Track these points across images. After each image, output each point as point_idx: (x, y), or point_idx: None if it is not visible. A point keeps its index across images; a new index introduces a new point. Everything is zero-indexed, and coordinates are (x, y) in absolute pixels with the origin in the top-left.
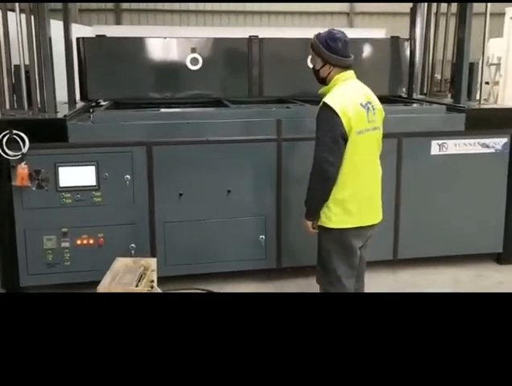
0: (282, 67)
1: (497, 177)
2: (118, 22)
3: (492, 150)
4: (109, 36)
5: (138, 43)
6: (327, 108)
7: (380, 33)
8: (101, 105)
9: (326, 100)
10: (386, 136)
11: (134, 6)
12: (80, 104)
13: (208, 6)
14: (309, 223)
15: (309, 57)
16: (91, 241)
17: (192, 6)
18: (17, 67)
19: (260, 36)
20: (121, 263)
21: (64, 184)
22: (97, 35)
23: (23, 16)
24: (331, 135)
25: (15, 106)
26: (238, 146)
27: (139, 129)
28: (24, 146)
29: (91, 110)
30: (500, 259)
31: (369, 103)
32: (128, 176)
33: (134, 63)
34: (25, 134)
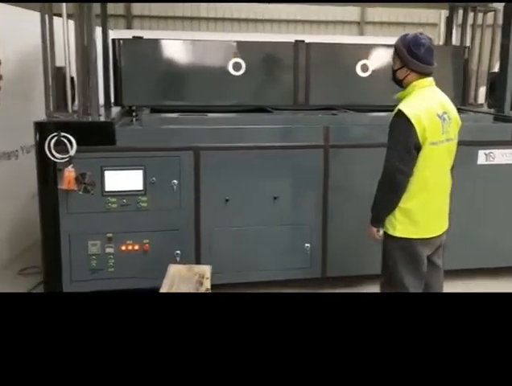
0: (329, 74)
1: None
2: (129, 28)
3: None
4: (147, 38)
5: (178, 45)
6: (401, 115)
7: None
8: (134, 110)
9: (401, 107)
10: None
11: (146, 12)
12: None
13: (220, 13)
14: (374, 230)
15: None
16: (136, 247)
17: (203, 12)
18: (59, 68)
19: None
20: (174, 270)
21: (110, 188)
22: (134, 37)
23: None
24: (404, 144)
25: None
26: (285, 153)
27: (187, 134)
28: (71, 149)
29: (133, 114)
30: None
31: (445, 113)
32: (175, 181)
33: (172, 67)
34: (72, 137)
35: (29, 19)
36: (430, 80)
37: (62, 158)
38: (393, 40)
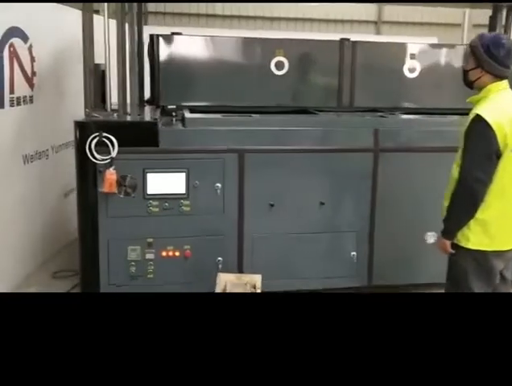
0: (375, 75)
1: None
2: (145, 24)
3: None
4: (187, 34)
5: (219, 42)
6: (480, 120)
7: (432, 41)
8: (174, 110)
9: (479, 112)
10: None
11: (160, 8)
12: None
13: (235, 11)
14: (447, 243)
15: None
16: (176, 253)
17: (218, 10)
18: (97, 66)
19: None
20: (224, 279)
21: (152, 191)
22: (173, 33)
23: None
24: (484, 151)
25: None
26: (332, 156)
27: (232, 135)
28: (113, 150)
29: (173, 114)
30: None
31: None
32: (219, 184)
33: (212, 65)
34: (114, 137)
35: (62, 17)
36: (505, 83)
37: (103, 160)
38: (411, 40)
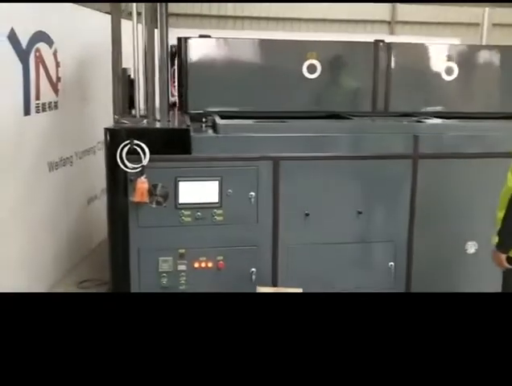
0: (411, 78)
1: None
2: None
3: None
4: (216, 37)
5: (249, 45)
6: None
7: (454, 41)
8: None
9: None
10: None
11: (173, 9)
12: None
13: (247, 12)
14: (503, 257)
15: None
16: (209, 264)
17: (230, 11)
18: (124, 71)
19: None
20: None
21: (184, 201)
22: (201, 35)
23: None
24: None
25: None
26: (370, 163)
27: (266, 142)
28: (145, 158)
29: (203, 120)
30: None
31: None
32: (253, 193)
33: (242, 69)
34: (145, 145)
35: (85, 20)
36: None
37: (134, 168)
38: (425, 40)
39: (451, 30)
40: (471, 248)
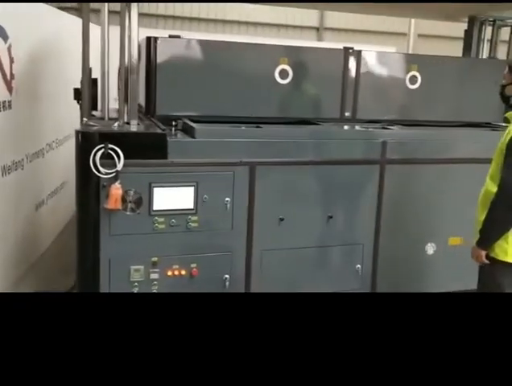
0: (378, 86)
1: None
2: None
3: None
4: (186, 38)
5: (223, 47)
6: None
7: (390, 49)
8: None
9: None
10: (479, 161)
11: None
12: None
13: (219, 15)
14: (483, 253)
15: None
16: (183, 272)
17: (203, 14)
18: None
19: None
20: None
21: (159, 207)
22: (171, 35)
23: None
24: None
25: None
26: (342, 168)
27: (243, 147)
28: (119, 163)
29: (174, 123)
30: None
31: None
32: (228, 199)
33: (214, 72)
34: (120, 149)
35: (40, 15)
36: None
37: (107, 174)
38: (355, 46)
39: (377, 39)
40: (430, 249)
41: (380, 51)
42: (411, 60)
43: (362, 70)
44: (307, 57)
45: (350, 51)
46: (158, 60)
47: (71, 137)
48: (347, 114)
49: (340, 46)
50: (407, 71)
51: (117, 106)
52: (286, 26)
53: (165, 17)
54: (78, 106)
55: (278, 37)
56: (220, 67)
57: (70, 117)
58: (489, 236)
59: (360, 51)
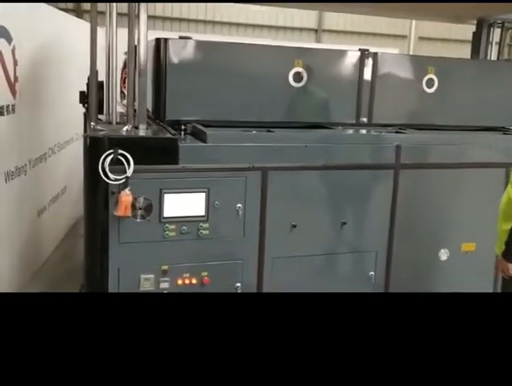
0: (395, 90)
1: None
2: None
3: None
4: (197, 40)
5: (234, 49)
6: None
7: (393, 51)
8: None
9: None
10: (493, 165)
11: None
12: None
13: (219, 17)
14: (510, 266)
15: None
16: (193, 281)
17: (201, 15)
18: (92, 73)
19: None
20: None
21: (169, 214)
22: (181, 37)
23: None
24: None
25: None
26: (355, 173)
27: (255, 152)
28: (129, 169)
29: (183, 127)
30: None
31: None
32: (240, 205)
33: (226, 75)
34: (130, 155)
35: (41, 16)
36: None
37: (117, 180)
38: (352, 48)
39: (376, 41)
40: (443, 255)
41: (396, 54)
42: (428, 63)
43: (379, 73)
44: (323, 59)
45: (366, 52)
46: (169, 63)
47: (72, 142)
48: (363, 119)
49: (339, 48)
50: (424, 75)
51: (120, 110)
52: (285, 28)
53: (154, 18)
54: (79, 109)
55: (277, 39)
56: (232, 69)
57: (70, 121)
58: None
59: (376, 53)
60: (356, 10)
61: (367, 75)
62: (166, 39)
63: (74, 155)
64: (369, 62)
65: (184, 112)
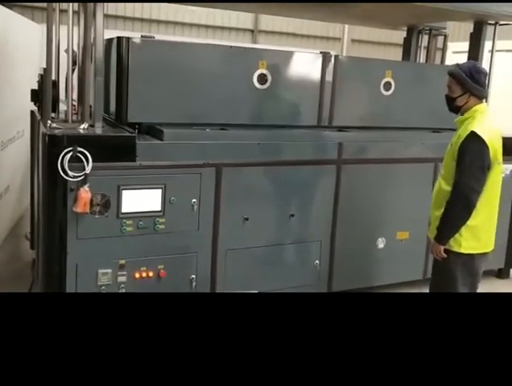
0: (355, 92)
1: (505, 199)
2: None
3: (502, 175)
4: (160, 40)
5: (197, 50)
6: (476, 138)
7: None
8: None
9: (475, 130)
10: (424, 160)
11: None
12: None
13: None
14: (442, 248)
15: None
16: (150, 274)
17: (137, 13)
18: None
19: None
20: None
21: (127, 210)
22: (143, 36)
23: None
24: (479, 164)
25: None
26: (301, 169)
27: (209, 149)
28: (88, 166)
29: (136, 126)
30: (501, 274)
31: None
32: (195, 200)
33: (191, 76)
34: (89, 152)
35: None
36: (486, 104)
37: (76, 177)
38: (289, 49)
39: (313, 43)
40: (381, 243)
41: (357, 57)
42: (387, 66)
43: (339, 75)
44: (285, 60)
45: (328, 55)
46: (131, 63)
47: (14, 140)
48: (323, 122)
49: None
50: (382, 78)
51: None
52: (222, 28)
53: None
54: (21, 107)
55: (214, 38)
56: (197, 71)
57: (13, 119)
58: (447, 232)
59: (337, 56)
60: (291, 13)
61: (328, 77)
62: (128, 38)
63: (17, 154)
64: (331, 65)
65: (148, 115)
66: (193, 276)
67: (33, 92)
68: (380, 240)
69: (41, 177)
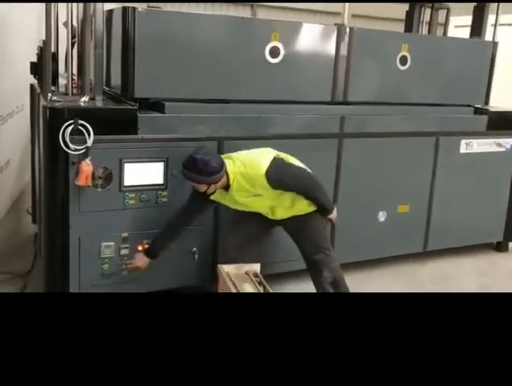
0: (370, 67)
1: (505, 173)
2: None
3: (503, 149)
4: (169, 10)
5: (208, 21)
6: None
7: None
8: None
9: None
10: (425, 134)
11: None
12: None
13: None
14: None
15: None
16: None
17: None
18: (46, 44)
19: None
20: (225, 271)
21: (129, 183)
22: (150, 6)
23: None
24: None
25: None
26: (304, 142)
27: (211, 123)
28: (89, 139)
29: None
30: (499, 247)
31: None
32: None
33: (199, 49)
34: (90, 125)
35: None
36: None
37: (77, 150)
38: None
39: (311, 17)
40: (381, 217)
41: (373, 30)
42: (403, 40)
43: (354, 49)
44: (298, 33)
45: (343, 28)
46: (138, 35)
47: (14, 114)
48: (337, 97)
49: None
50: (398, 52)
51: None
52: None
53: None
54: (20, 81)
55: (213, 11)
56: (207, 44)
57: (12, 93)
58: (329, 203)
59: (352, 28)
60: None
61: (343, 51)
62: (134, 8)
63: (17, 128)
64: (346, 37)
65: (155, 90)
66: (195, 248)
67: (32, 64)
68: (381, 213)
69: (42, 151)
